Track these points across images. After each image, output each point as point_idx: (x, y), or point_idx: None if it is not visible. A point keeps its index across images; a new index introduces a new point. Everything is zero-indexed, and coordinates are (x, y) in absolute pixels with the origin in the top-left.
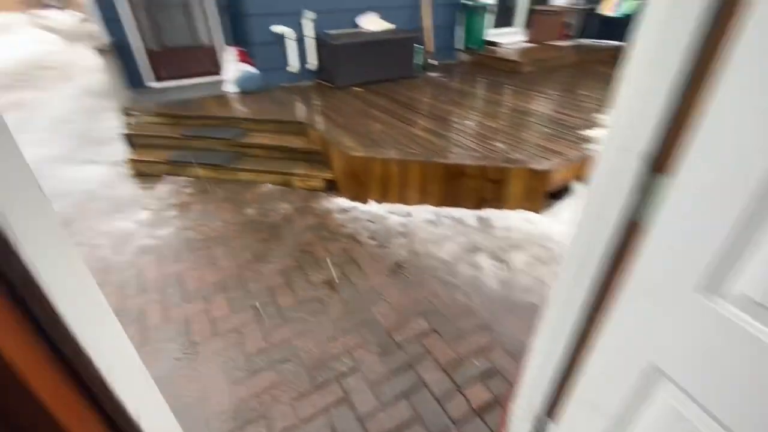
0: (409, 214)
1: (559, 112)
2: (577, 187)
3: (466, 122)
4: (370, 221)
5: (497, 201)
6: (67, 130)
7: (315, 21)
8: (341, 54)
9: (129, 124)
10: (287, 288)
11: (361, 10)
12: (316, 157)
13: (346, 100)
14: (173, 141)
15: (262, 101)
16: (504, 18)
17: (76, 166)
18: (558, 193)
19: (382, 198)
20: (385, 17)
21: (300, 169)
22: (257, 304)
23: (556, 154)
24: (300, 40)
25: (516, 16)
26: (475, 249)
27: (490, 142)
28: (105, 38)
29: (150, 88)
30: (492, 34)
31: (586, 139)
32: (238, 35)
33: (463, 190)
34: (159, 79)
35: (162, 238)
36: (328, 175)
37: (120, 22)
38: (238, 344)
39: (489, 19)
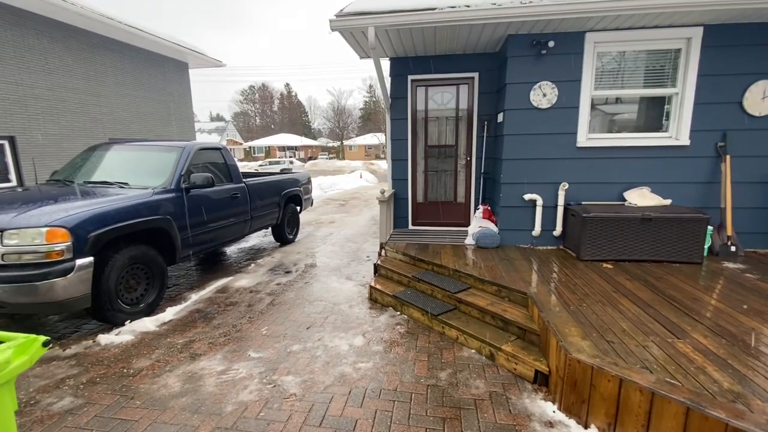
0: None
1: None
2: None
3: None
4: None
5: None
6: (348, 247)
7: (568, 191)
8: (590, 226)
9: (380, 256)
10: None
11: (630, 185)
12: (533, 338)
13: (589, 276)
14: (405, 279)
15: (492, 259)
16: None
17: (339, 278)
18: None
19: (612, 429)
20: (660, 192)
21: (510, 347)
22: None
23: None
24: (549, 207)
25: None
26: None
27: None
28: (388, 190)
29: (408, 229)
30: None
31: None
32: (488, 196)
33: None
34: (416, 223)
35: (360, 371)
36: (542, 367)
37: (404, 181)
38: None
39: None
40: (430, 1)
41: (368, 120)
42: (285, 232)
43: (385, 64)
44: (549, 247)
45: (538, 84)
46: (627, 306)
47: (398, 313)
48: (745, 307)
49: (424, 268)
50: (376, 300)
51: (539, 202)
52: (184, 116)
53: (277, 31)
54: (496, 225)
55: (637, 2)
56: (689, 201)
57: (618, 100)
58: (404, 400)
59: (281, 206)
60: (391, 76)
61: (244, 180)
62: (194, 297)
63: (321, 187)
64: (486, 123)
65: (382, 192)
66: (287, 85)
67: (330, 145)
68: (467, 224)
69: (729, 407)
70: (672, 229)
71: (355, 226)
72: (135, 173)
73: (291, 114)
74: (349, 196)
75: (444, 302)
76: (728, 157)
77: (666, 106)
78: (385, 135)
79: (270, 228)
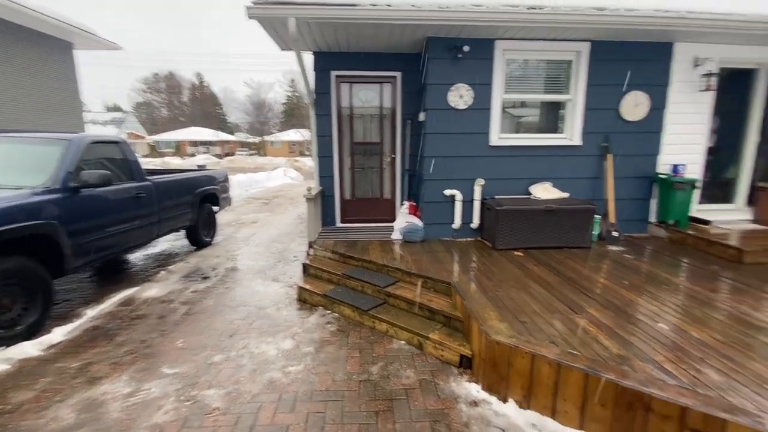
0: None
1: None
2: None
3: (659, 324)
4: None
5: None
6: (274, 248)
7: (484, 186)
8: (503, 218)
9: (308, 255)
10: None
11: (535, 179)
12: (457, 325)
13: (503, 264)
14: (335, 277)
15: (417, 253)
16: (717, 192)
17: (264, 281)
18: None
19: (527, 401)
20: (559, 186)
21: (437, 335)
22: None
23: None
24: (467, 202)
25: (735, 191)
26: None
27: (696, 365)
28: (315, 188)
29: (336, 227)
30: (700, 209)
31: None
32: (413, 191)
33: (647, 430)
34: (344, 221)
35: (290, 376)
36: (466, 351)
37: (330, 178)
38: None
39: (692, 193)
40: None
41: (291, 115)
42: (201, 234)
43: (308, 58)
44: (468, 239)
45: (455, 86)
46: (536, 288)
47: (329, 311)
48: (626, 283)
49: (353, 265)
50: (305, 300)
51: (458, 197)
52: (69, 104)
53: (181, 13)
54: (420, 220)
55: (532, 17)
56: (582, 194)
57: (523, 104)
58: (337, 399)
59: (195, 206)
60: (314, 70)
61: (149, 177)
62: (91, 313)
63: (241, 185)
64: (409, 121)
65: (309, 189)
66: (198, 74)
67: (250, 140)
68: (394, 220)
69: (617, 369)
70: (569, 218)
71: (281, 226)
72: (7, 170)
73: (203, 106)
74: (272, 195)
75: (374, 297)
76: (610, 155)
77: (561, 111)
78: (311, 131)
79: (184, 230)
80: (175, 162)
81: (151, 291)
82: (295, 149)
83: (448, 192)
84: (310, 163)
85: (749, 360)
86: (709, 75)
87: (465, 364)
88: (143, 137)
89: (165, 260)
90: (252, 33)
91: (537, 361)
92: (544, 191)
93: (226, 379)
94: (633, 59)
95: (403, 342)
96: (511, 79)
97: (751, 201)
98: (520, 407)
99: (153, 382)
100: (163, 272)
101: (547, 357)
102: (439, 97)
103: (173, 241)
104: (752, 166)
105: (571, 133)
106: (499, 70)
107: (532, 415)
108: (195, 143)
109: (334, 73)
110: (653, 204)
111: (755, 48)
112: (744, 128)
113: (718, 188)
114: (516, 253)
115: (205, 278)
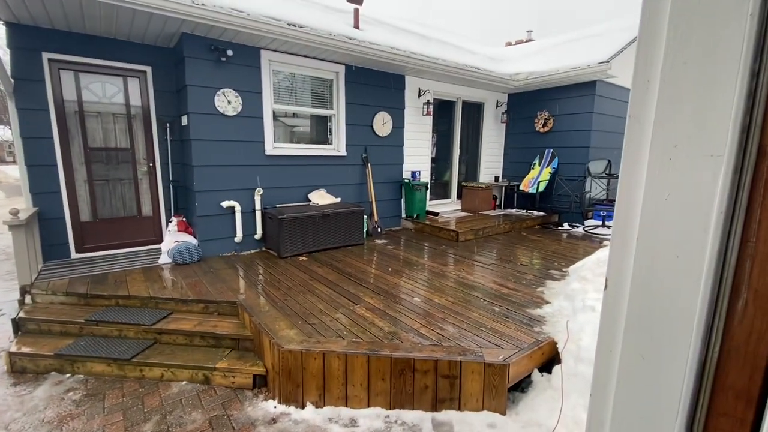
0: (354, 422)
1: (503, 286)
2: (539, 378)
3: (415, 299)
4: None
5: (455, 401)
6: None
7: (263, 195)
8: (286, 227)
9: (24, 304)
10: None
11: (313, 187)
12: (247, 344)
13: (289, 271)
14: (73, 327)
15: (194, 275)
16: (440, 191)
17: None
18: (520, 385)
19: (323, 399)
20: (332, 192)
21: (225, 362)
22: None
23: (510, 339)
24: (248, 213)
25: (450, 189)
26: None
27: (440, 325)
28: (27, 209)
29: (72, 259)
30: (431, 204)
31: (537, 320)
32: (181, 206)
33: (416, 387)
34: (83, 249)
35: None
36: (259, 369)
37: (55, 194)
38: None
39: (426, 193)
40: None
41: None
42: None
43: None
44: (252, 251)
45: (221, 90)
46: (321, 289)
47: (68, 375)
48: (390, 269)
49: (104, 305)
50: (24, 370)
51: (238, 208)
52: None
53: None
54: (194, 237)
55: (291, 32)
56: (351, 198)
57: (295, 115)
58: None
59: None
60: (10, 47)
61: None
62: None
63: None
64: (168, 125)
65: (15, 213)
66: None
67: None
68: (160, 241)
69: (390, 345)
70: (343, 220)
71: None
72: None
73: None
74: None
75: (138, 340)
76: (369, 164)
77: (329, 124)
78: (11, 130)
79: None
80: None
81: None
82: None
83: (225, 204)
84: (13, 173)
85: (469, 312)
86: (428, 103)
87: (260, 383)
88: None
89: None
90: None
91: (328, 358)
92: (320, 197)
93: None
94: (379, 85)
95: (184, 382)
96: (280, 90)
97: (459, 195)
98: (317, 407)
99: None
100: None
101: (336, 351)
102: (203, 100)
103: None
104: (458, 170)
105: (338, 145)
106: (267, 80)
107: (328, 410)
108: None
109: (47, 56)
110: (402, 203)
111: (454, 86)
112: (451, 143)
113: (440, 188)
114: (301, 258)
115: None
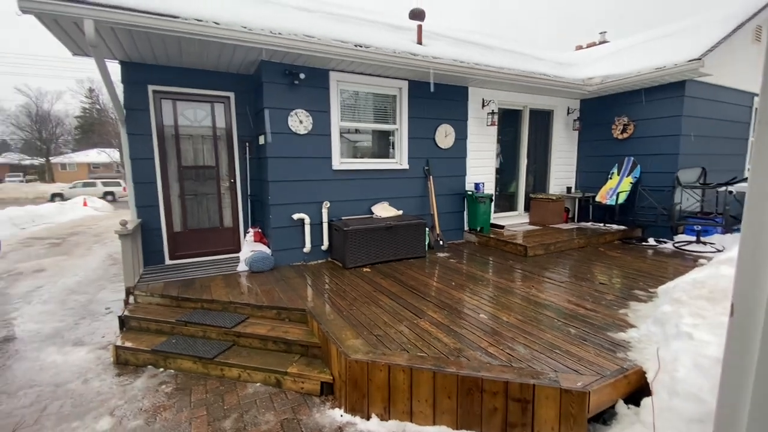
0: None
1: (580, 306)
2: (625, 411)
3: (481, 315)
4: None
5: (527, 426)
6: (74, 301)
7: (330, 208)
8: (350, 238)
9: (128, 304)
10: None
11: (376, 200)
12: (316, 352)
13: (354, 281)
14: (167, 326)
15: (268, 283)
16: (505, 203)
17: (61, 348)
18: (601, 416)
19: (387, 412)
20: (395, 205)
21: (295, 368)
22: None
23: (589, 364)
24: (315, 225)
25: (517, 201)
26: None
27: (509, 344)
28: (132, 221)
29: (166, 265)
30: (496, 217)
31: (621, 345)
32: (257, 218)
33: (484, 409)
34: (175, 257)
35: None
36: (326, 377)
37: (154, 207)
38: None
39: (490, 205)
40: (173, 7)
41: (90, 131)
42: None
43: (113, 67)
44: (319, 261)
45: (294, 111)
46: (384, 300)
47: (161, 369)
48: (453, 283)
49: (191, 308)
50: (127, 362)
51: (307, 220)
52: None
53: None
54: (268, 247)
55: (358, 53)
56: (413, 210)
57: (357, 131)
58: None
59: None
60: (123, 82)
61: None
62: None
63: (14, 223)
64: (248, 144)
65: (124, 224)
66: None
67: (27, 162)
68: (238, 250)
69: (456, 362)
70: (405, 233)
71: (83, 271)
72: None
73: None
74: (68, 232)
75: (220, 341)
76: (431, 177)
77: (391, 138)
78: (121, 153)
79: None
80: None
81: None
82: (99, 172)
83: (296, 216)
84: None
85: (542, 332)
86: (492, 113)
87: (326, 390)
88: None
89: None
90: (29, 27)
91: (393, 371)
92: (383, 210)
93: None
94: (441, 98)
95: (258, 384)
96: (345, 108)
97: (527, 208)
98: (382, 420)
99: None
100: None
101: (401, 364)
102: (278, 121)
103: None
104: (525, 181)
105: (400, 158)
106: (335, 99)
107: (393, 424)
108: None
109: (151, 88)
110: (465, 215)
111: (520, 94)
112: (517, 154)
113: (505, 200)
114: (365, 269)
115: None
